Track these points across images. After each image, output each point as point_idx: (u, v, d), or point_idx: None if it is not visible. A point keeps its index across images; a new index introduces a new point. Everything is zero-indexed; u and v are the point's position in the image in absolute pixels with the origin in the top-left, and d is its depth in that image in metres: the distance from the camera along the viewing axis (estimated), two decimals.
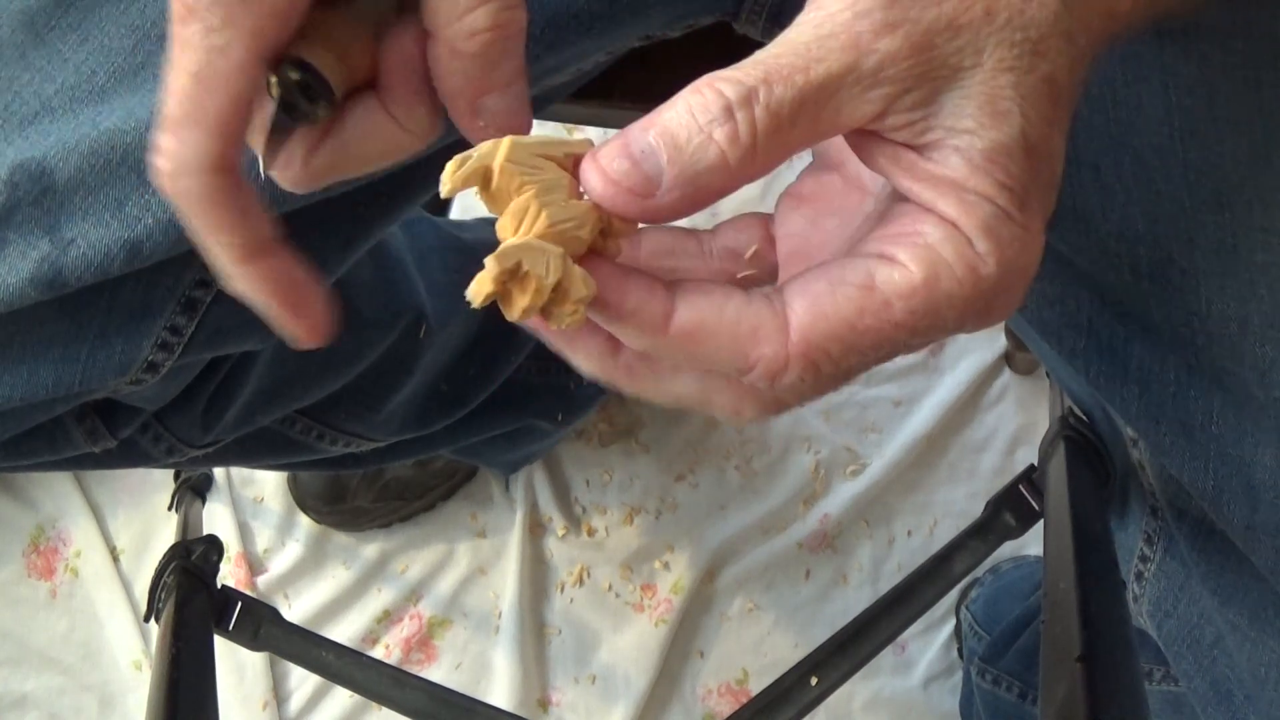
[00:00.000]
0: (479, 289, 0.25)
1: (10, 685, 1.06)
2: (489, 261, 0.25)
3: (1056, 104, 0.26)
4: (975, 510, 0.65)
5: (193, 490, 0.82)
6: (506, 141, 0.26)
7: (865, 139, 0.27)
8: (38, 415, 0.45)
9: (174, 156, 0.27)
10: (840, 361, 0.26)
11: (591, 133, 1.19)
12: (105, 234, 0.39)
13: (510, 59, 0.29)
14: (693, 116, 0.25)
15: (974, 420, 1.09)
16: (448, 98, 0.29)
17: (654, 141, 0.25)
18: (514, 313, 0.25)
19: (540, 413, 0.90)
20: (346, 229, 0.48)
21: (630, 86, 0.54)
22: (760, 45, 0.26)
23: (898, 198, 0.27)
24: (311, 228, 0.46)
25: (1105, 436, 0.55)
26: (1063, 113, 0.26)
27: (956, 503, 1.07)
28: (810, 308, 0.25)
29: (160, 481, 1.10)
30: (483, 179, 0.26)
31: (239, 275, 0.29)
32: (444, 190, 0.26)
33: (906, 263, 0.25)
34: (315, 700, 1.05)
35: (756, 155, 0.25)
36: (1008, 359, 1.09)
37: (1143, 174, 0.40)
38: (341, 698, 1.04)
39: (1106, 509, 0.57)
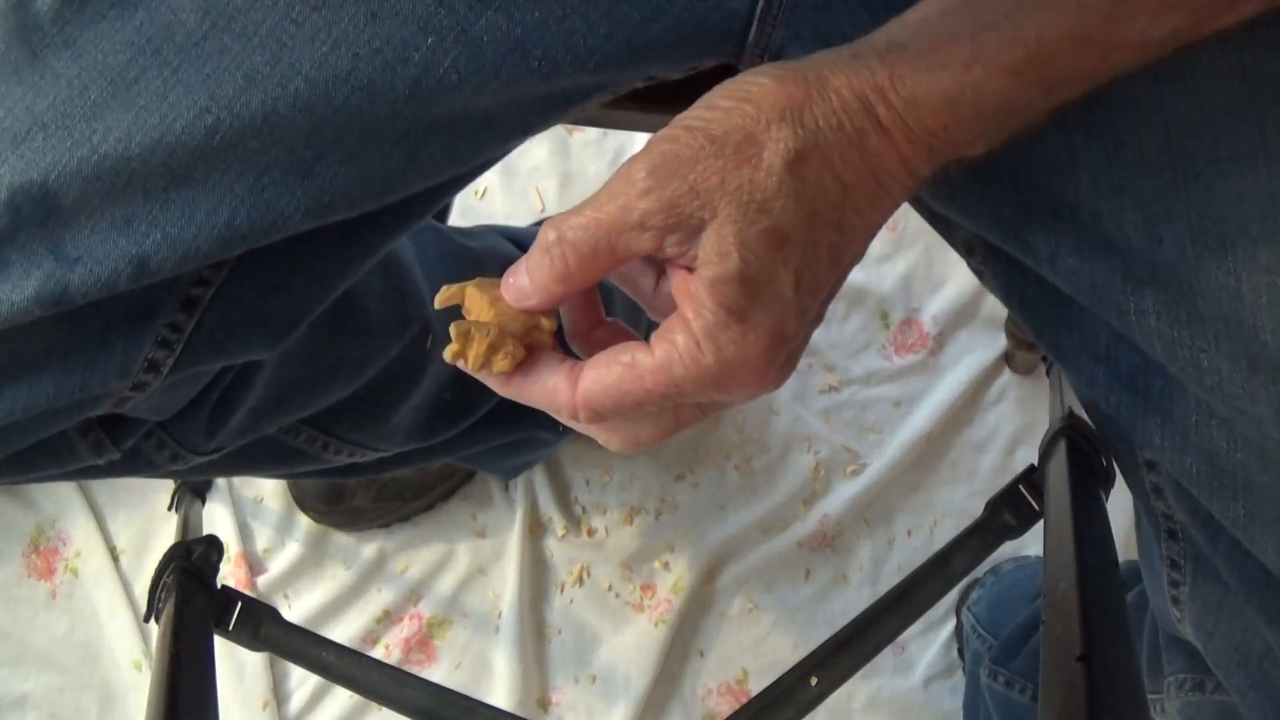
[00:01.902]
0: (449, 349, 0.39)
1: (10, 685, 1.06)
2: (452, 330, 0.39)
3: (781, 248, 0.35)
4: (975, 510, 0.65)
5: (193, 490, 0.81)
6: (475, 280, 0.40)
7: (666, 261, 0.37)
8: (41, 428, 0.45)
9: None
10: (612, 411, 0.38)
11: (591, 134, 1.19)
12: (112, 251, 0.38)
13: None
14: (536, 247, 0.37)
15: (974, 420, 1.09)
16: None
17: (523, 263, 0.38)
18: (469, 361, 0.39)
19: (542, 422, 0.90)
20: (366, 238, 0.48)
21: (632, 90, 0.54)
22: None
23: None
24: (333, 238, 0.46)
25: (1116, 449, 0.55)
26: (791, 256, 0.36)
27: (956, 503, 1.07)
28: (589, 375, 0.38)
29: (160, 482, 1.10)
30: (462, 296, 0.40)
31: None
32: (437, 303, 0.40)
33: (654, 350, 0.37)
34: (315, 700, 1.04)
35: (571, 276, 0.37)
36: (1008, 359, 1.09)
37: (1144, 220, 0.40)
38: (341, 698, 1.04)
39: (1106, 509, 0.57)
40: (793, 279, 0.36)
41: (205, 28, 0.39)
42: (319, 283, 0.48)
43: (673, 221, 0.35)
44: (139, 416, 0.50)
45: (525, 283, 0.38)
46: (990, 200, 0.44)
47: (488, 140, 0.45)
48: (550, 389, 0.39)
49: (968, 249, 0.50)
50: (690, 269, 0.36)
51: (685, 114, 0.37)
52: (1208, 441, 0.42)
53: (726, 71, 0.46)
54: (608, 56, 0.43)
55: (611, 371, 0.37)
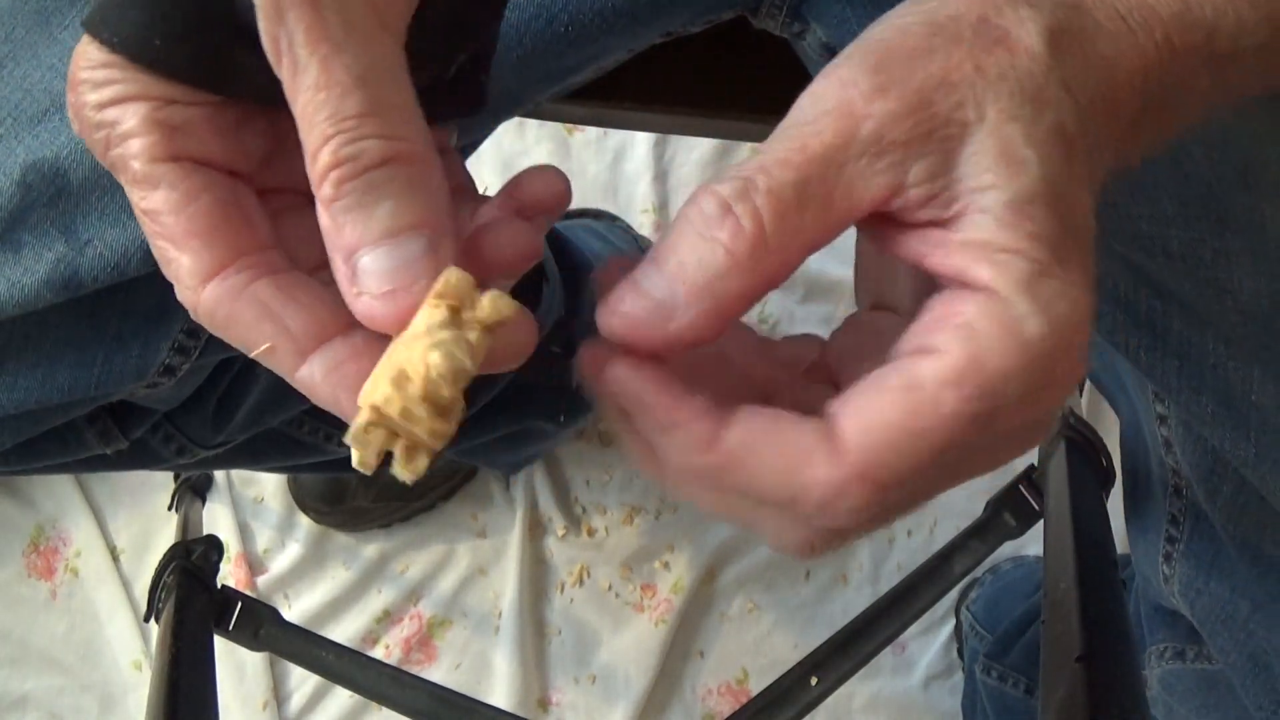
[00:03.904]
0: (361, 459, 0.23)
1: (10, 685, 1.06)
2: (352, 440, 0.23)
3: (1070, 154, 0.25)
4: (975, 510, 0.65)
5: (193, 490, 0.82)
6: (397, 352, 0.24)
7: (889, 230, 0.26)
8: (53, 419, 0.45)
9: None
10: (905, 476, 0.23)
11: (592, 133, 1.19)
12: (122, 234, 0.38)
13: (389, 200, 0.24)
14: (691, 226, 0.24)
15: None
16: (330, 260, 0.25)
17: (657, 265, 0.24)
18: (410, 466, 0.24)
19: (542, 414, 0.90)
20: None
21: (630, 86, 0.54)
22: (779, 41, 0.25)
23: (934, 288, 0.25)
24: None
25: (1133, 401, 0.55)
26: (1079, 167, 0.25)
27: (956, 503, 1.07)
28: (857, 421, 0.23)
29: (160, 481, 1.10)
30: (382, 419, 0.23)
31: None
32: (366, 469, 0.24)
33: (944, 348, 0.23)
34: (315, 700, 1.05)
35: (767, 246, 0.24)
36: None
37: (1169, 156, 0.40)
38: (341, 698, 1.04)
39: (1106, 509, 0.58)
40: (1092, 202, 0.25)
41: None
42: None
43: (924, 130, 0.24)
44: (145, 405, 0.51)
45: (669, 282, 0.24)
46: None
47: (504, 118, 0.44)
48: (796, 455, 0.24)
49: None
50: (939, 222, 0.25)
51: (872, 27, 0.27)
52: (1224, 384, 0.43)
53: (742, 26, 0.46)
54: (635, 16, 0.41)
55: (887, 402, 0.23)
